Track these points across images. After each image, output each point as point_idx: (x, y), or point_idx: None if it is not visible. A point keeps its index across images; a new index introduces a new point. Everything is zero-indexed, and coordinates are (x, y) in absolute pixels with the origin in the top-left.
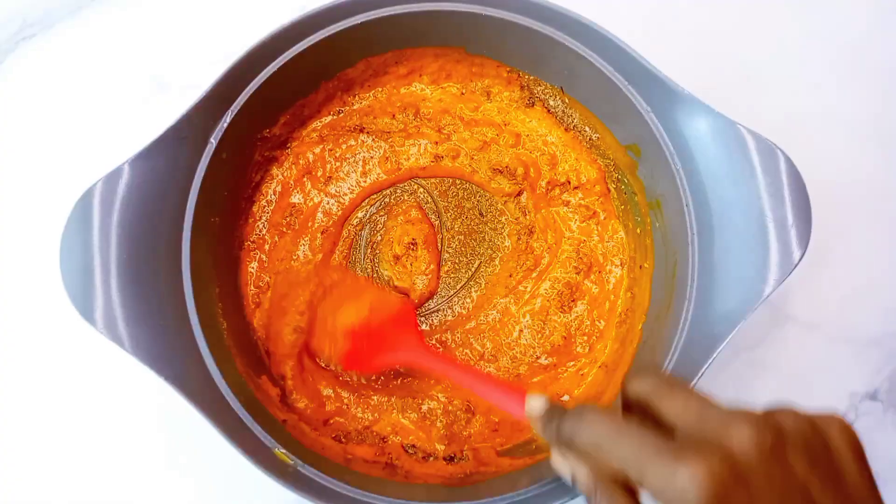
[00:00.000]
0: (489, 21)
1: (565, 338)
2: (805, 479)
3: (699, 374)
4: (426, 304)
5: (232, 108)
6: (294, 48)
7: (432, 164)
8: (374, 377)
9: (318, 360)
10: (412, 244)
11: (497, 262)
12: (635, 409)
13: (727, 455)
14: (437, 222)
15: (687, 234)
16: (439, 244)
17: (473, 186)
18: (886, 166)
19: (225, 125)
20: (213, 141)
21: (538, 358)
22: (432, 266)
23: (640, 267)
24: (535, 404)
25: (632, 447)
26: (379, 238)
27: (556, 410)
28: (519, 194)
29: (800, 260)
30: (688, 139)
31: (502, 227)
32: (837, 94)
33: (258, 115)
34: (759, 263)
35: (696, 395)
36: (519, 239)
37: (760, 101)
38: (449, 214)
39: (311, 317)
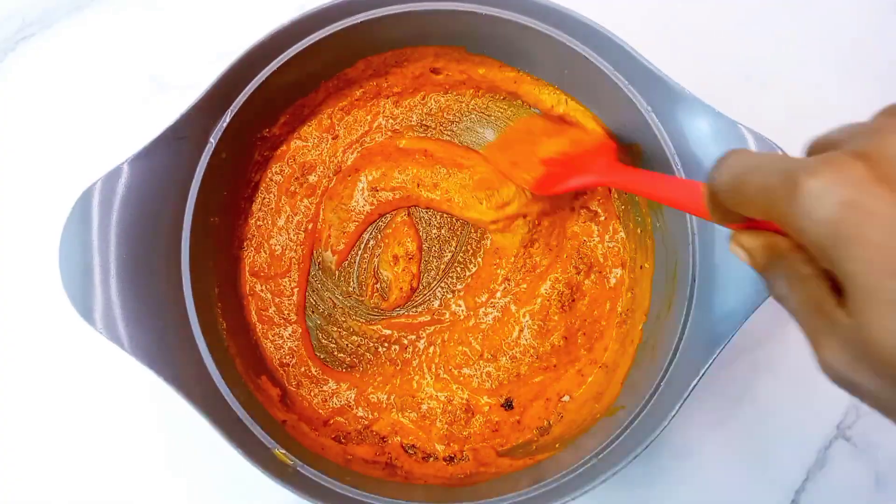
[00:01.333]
0: (489, 20)
1: (566, 338)
2: None
3: (700, 375)
4: (421, 300)
5: (231, 107)
6: (294, 48)
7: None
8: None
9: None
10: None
11: (497, 262)
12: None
13: (862, 155)
14: (423, 233)
15: (687, 235)
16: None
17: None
18: None
19: (224, 125)
20: (213, 140)
21: (538, 358)
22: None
23: (641, 267)
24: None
25: (765, 173)
26: (380, 236)
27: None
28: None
29: None
30: (688, 139)
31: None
32: (837, 94)
33: (258, 115)
34: None
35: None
36: (522, 244)
37: (761, 101)
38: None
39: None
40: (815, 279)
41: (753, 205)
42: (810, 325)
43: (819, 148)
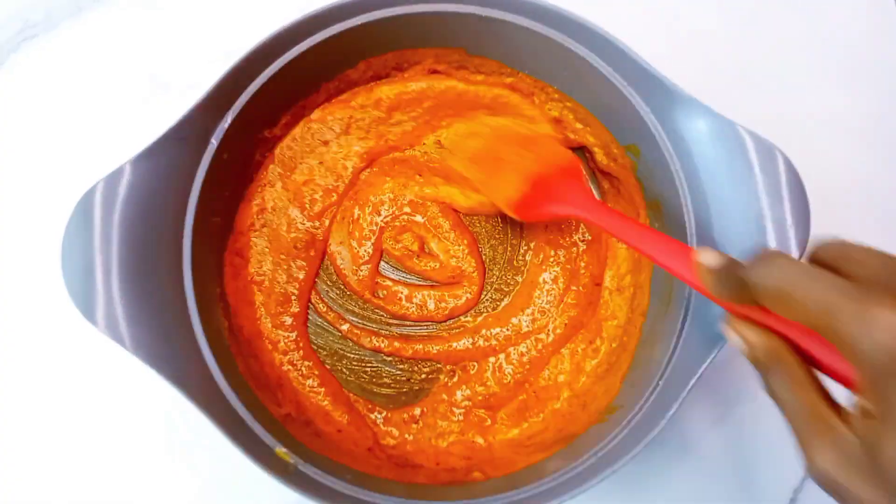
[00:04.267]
0: (489, 22)
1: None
2: None
3: (698, 374)
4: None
5: (233, 108)
6: (295, 49)
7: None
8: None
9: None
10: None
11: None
12: None
13: None
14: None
15: (686, 235)
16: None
17: None
18: (886, 167)
19: (226, 125)
20: (215, 141)
21: (538, 353)
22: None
23: (640, 266)
24: (709, 256)
25: (825, 287)
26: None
27: (734, 261)
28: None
29: (800, 260)
30: (687, 140)
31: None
32: (837, 94)
33: (259, 116)
34: None
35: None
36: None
37: (760, 101)
38: None
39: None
40: (813, 386)
41: (802, 312)
42: (806, 429)
43: (838, 258)
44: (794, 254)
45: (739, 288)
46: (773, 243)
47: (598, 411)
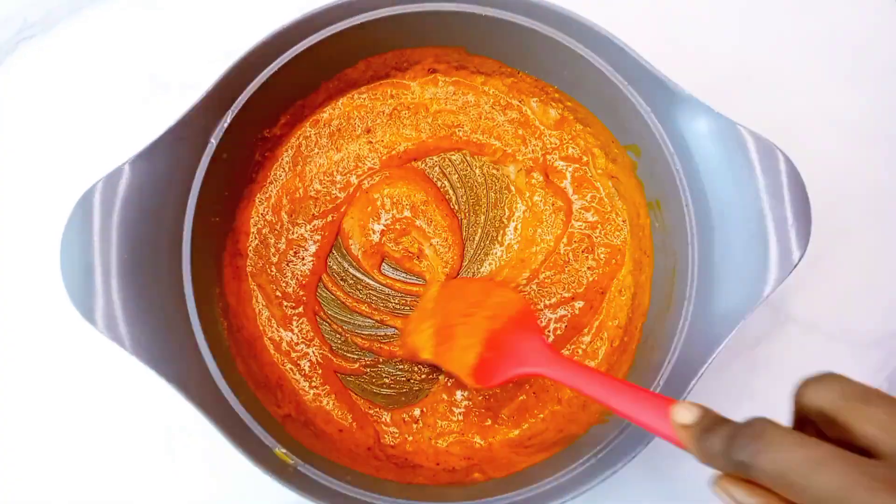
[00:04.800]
0: (489, 21)
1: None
2: None
3: (699, 374)
4: None
5: (232, 108)
6: (294, 48)
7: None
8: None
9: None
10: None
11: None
12: (810, 428)
13: None
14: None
15: (687, 234)
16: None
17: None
18: (886, 166)
19: (225, 125)
20: (214, 141)
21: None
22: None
23: (640, 266)
24: (684, 412)
25: (837, 478)
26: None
27: (717, 422)
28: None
29: (799, 260)
30: (687, 139)
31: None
32: (837, 95)
33: (258, 116)
34: (759, 263)
35: None
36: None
37: (760, 101)
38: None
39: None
40: None
41: (807, 499)
42: None
43: (835, 410)
44: (796, 254)
45: (728, 456)
46: (774, 242)
47: (599, 412)
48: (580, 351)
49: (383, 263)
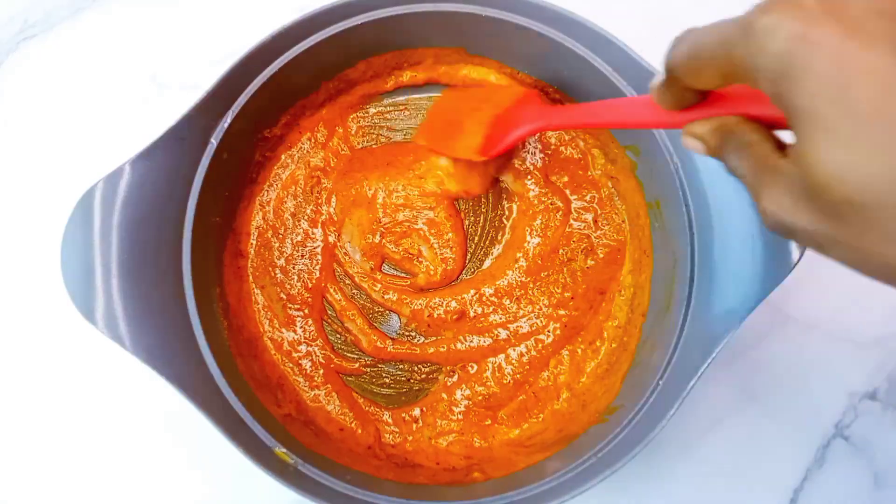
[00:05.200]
0: (489, 22)
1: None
2: None
3: (699, 374)
4: None
5: (233, 108)
6: (294, 49)
7: None
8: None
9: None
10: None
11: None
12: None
13: None
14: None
15: (686, 234)
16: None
17: None
18: None
19: (226, 125)
20: (214, 141)
21: (538, 352)
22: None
23: (640, 267)
24: (654, 79)
25: (714, 31)
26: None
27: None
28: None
29: (799, 259)
30: None
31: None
32: None
33: (259, 116)
34: (759, 263)
35: None
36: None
37: None
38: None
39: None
40: (761, 142)
41: (713, 63)
42: (755, 181)
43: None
44: (796, 254)
45: (678, 90)
46: (773, 242)
47: (598, 411)
48: (580, 351)
49: (384, 264)
